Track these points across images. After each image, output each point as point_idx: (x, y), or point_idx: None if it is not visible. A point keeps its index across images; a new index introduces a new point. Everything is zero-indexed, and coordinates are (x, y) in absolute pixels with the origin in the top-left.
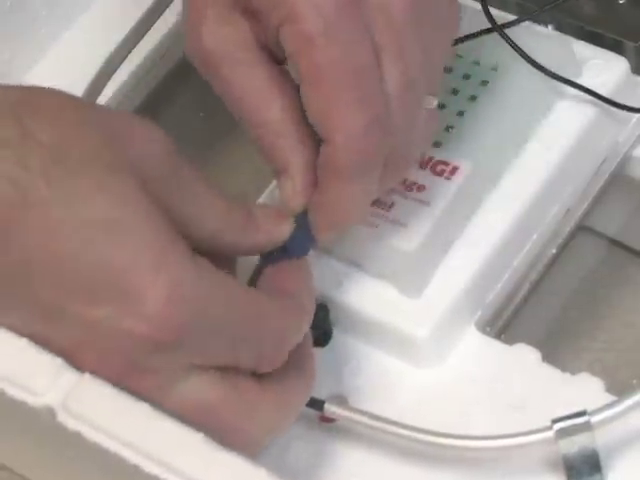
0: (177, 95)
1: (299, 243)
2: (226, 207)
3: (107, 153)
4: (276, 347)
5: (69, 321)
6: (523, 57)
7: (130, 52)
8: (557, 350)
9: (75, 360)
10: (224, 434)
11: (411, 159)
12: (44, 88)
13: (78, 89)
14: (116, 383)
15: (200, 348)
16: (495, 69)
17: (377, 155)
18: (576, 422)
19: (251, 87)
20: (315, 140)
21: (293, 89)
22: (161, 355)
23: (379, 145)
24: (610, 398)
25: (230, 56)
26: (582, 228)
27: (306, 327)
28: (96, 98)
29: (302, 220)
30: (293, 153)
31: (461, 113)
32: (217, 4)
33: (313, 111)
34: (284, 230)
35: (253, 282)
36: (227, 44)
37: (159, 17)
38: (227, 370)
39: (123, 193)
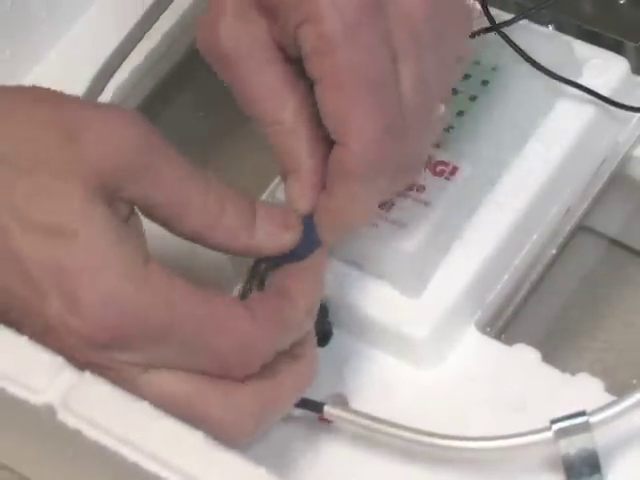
0: (177, 95)
1: (303, 245)
2: (217, 204)
3: (58, 155)
4: (241, 357)
5: (34, 311)
6: (523, 57)
7: (130, 52)
8: (557, 350)
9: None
10: (200, 424)
11: (421, 163)
12: (21, 87)
13: (78, 89)
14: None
15: (147, 351)
16: (495, 69)
17: (390, 160)
18: (575, 422)
19: (265, 85)
20: (326, 142)
21: (307, 89)
22: (106, 353)
23: (392, 151)
24: (609, 398)
25: (246, 53)
26: (582, 228)
27: (289, 335)
28: (96, 98)
29: (307, 222)
30: (304, 154)
31: (461, 113)
32: (235, 2)
33: (328, 113)
34: (286, 241)
35: (250, 283)
36: (244, 41)
37: (159, 18)
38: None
39: (68, 197)
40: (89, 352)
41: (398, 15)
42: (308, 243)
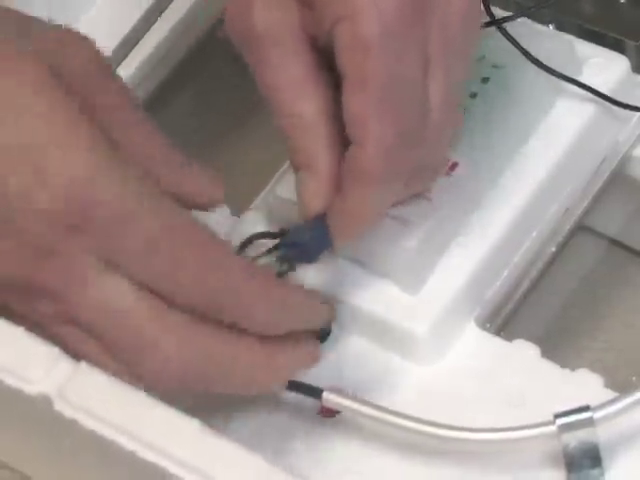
0: (177, 95)
1: (314, 246)
2: (157, 142)
3: (20, 42)
4: (201, 279)
5: None
6: (523, 54)
7: (130, 52)
8: (557, 349)
9: None
10: (140, 354)
11: (439, 169)
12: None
13: None
14: (27, 278)
15: (110, 244)
16: (496, 67)
17: (405, 166)
18: (579, 417)
19: (290, 75)
20: (344, 142)
21: (331, 85)
22: (70, 238)
23: (408, 158)
24: (609, 394)
25: (276, 39)
26: (582, 228)
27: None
28: None
29: (318, 222)
30: (321, 152)
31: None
32: None
33: (350, 112)
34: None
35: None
36: (276, 27)
37: (158, 18)
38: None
39: (32, 76)
40: (51, 235)
41: (437, 23)
42: (319, 243)
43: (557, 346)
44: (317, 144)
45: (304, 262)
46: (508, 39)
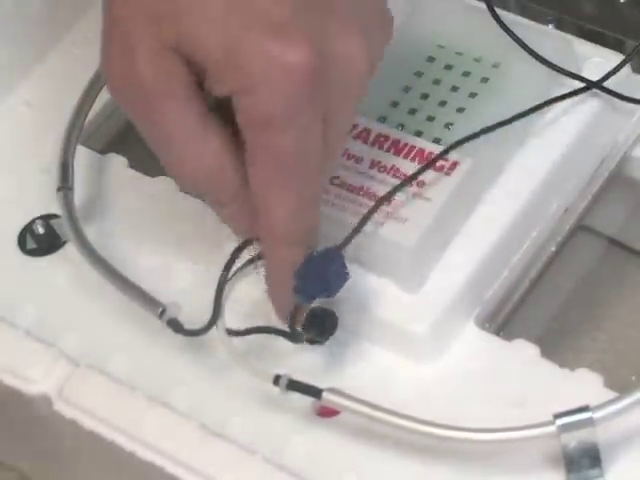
0: None
1: (334, 280)
2: None
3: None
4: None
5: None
6: (526, 50)
7: None
8: (556, 349)
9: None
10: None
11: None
12: None
13: (78, 91)
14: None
15: None
16: (496, 66)
17: (312, 218)
18: (579, 417)
19: (184, 124)
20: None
21: (228, 132)
22: None
23: (312, 215)
24: (609, 393)
25: (166, 91)
26: (581, 227)
27: None
28: (94, 98)
29: (336, 255)
30: (229, 192)
31: (461, 110)
32: (145, 39)
33: (254, 184)
34: None
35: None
36: (164, 79)
37: None
38: None
39: None
40: None
41: (336, 89)
42: (338, 278)
43: (556, 346)
44: (223, 186)
45: (324, 296)
46: (512, 37)
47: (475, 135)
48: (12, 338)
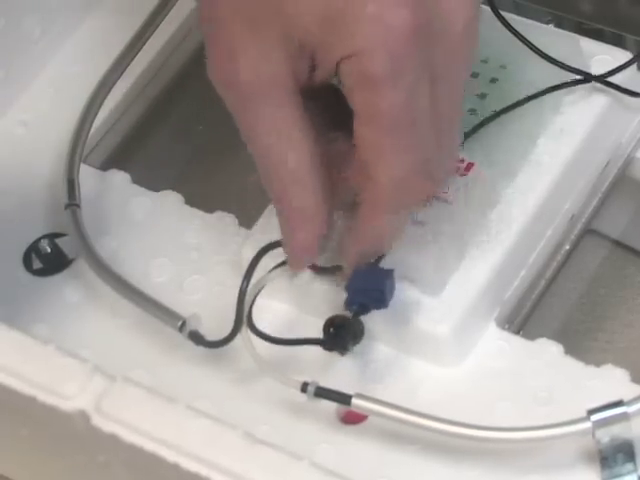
0: (175, 108)
1: (387, 292)
2: None
3: None
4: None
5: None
6: (533, 50)
7: (127, 67)
8: (572, 348)
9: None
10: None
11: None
12: None
13: (77, 106)
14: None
15: None
16: (503, 67)
17: (418, 194)
18: (614, 412)
19: (276, 126)
20: (330, 189)
21: (322, 129)
22: None
23: (421, 186)
24: (636, 388)
25: (262, 92)
26: (587, 231)
27: None
28: (96, 112)
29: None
30: (311, 201)
31: (472, 111)
32: (259, 39)
33: (362, 148)
34: None
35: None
36: (262, 80)
37: (155, 31)
38: None
39: None
40: None
41: (441, 41)
42: (390, 288)
43: (572, 344)
44: (305, 194)
45: (377, 308)
46: (519, 38)
47: (487, 120)
48: (45, 354)
